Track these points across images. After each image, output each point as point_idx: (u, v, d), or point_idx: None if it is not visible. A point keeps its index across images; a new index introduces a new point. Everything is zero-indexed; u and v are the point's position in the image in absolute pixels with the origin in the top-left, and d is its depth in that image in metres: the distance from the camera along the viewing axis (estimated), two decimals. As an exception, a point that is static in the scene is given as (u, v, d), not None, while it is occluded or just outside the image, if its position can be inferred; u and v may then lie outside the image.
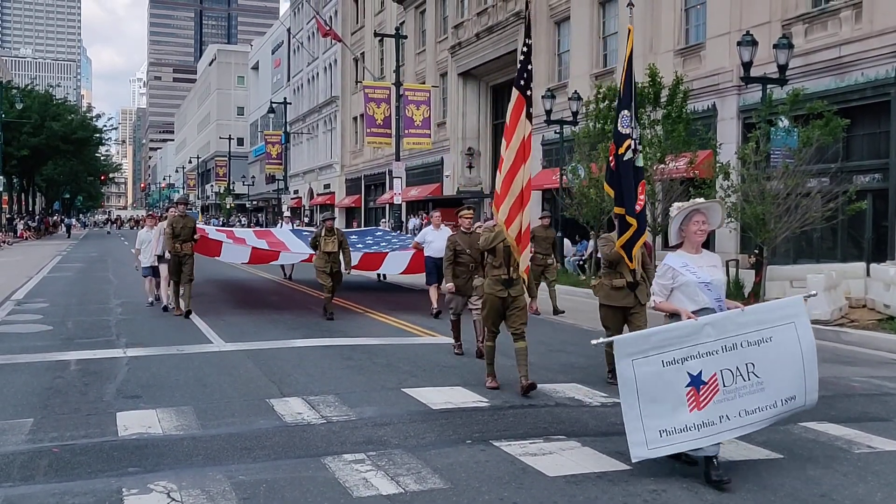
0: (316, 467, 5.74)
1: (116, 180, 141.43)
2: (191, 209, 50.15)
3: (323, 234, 14.50)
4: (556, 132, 25.83)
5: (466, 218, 10.65)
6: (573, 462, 5.93)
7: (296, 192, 69.78)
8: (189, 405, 7.57)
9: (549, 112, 25.08)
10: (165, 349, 10.75)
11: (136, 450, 6.17)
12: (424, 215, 42.49)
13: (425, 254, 15.28)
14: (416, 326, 13.24)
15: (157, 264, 15.14)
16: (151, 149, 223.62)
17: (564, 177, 23.16)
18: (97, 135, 70.12)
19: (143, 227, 16.88)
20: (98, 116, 72.48)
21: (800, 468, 5.89)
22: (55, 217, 79.12)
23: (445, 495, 5.22)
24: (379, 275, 22.09)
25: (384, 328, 13.21)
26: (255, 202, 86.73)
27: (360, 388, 8.50)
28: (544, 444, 6.37)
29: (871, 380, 9.46)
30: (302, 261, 18.03)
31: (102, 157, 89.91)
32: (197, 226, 15.18)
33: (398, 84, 32.66)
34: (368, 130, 35.60)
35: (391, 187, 35.99)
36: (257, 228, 36.34)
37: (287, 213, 23.68)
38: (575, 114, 23.75)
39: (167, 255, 14.46)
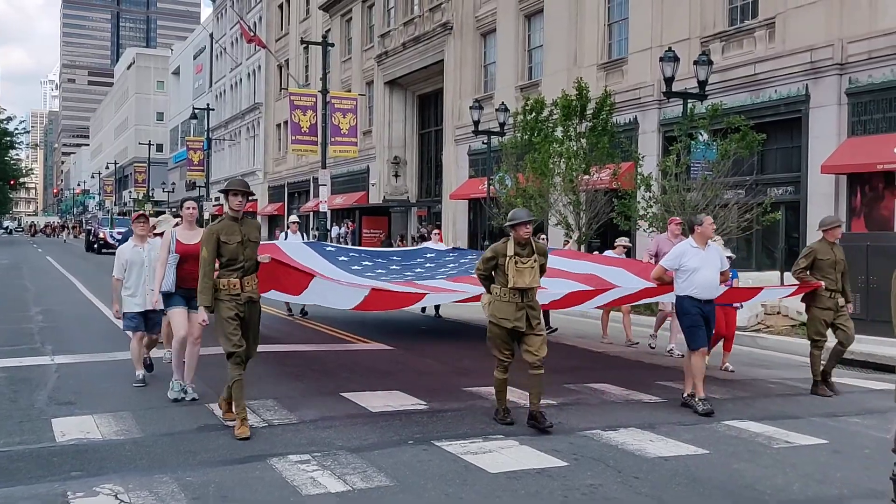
0: (263, 468, 5.81)
1: (26, 185, 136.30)
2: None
3: (511, 251, 7.11)
4: (483, 143, 26.25)
5: None
6: (513, 459, 6.14)
7: (217, 198, 68.63)
8: (127, 410, 7.50)
9: (476, 122, 25.48)
10: (96, 356, 10.56)
11: (77, 454, 6.12)
12: (349, 223, 42.53)
13: (681, 293, 8.23)
14: (348, 333, 13.29)
15: (158, 308, 8.44)
16: (64, 153, 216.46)
17: (492, 186, 23.55)
18: (7, 138, 67.66)
19: (125, 241, 9.17)
20: (8, 119, 69.89)
21: (725, 462, 6.24)
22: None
23: (392, 492, 5.36)
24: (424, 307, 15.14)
25: (317, 335, 13.21)
26: (174, 209, 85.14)
27: (299, 392, 8.55)
28: (484, 443, 6.57)
29: (786, 381, 9.98)
30: (462, 300, 10.59)
31: (12, 162, 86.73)
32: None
33: (325, 92, 32.60)
34: (294, 138, 35.34)
35: (316, 195, 35.82)
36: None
37: (294, 219, 17.84)
38: (502, 125, 24.20)
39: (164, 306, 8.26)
